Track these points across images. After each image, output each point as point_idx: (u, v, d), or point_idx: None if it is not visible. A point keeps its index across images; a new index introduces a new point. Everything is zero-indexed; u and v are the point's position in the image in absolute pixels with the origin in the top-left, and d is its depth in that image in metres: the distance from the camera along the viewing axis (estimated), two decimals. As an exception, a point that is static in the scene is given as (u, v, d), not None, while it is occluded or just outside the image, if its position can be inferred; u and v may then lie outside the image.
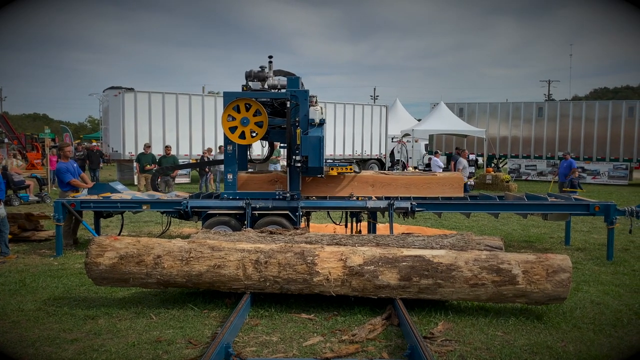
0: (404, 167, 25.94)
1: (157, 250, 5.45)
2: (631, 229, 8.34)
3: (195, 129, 22.19)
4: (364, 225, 8.81)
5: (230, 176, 8.12)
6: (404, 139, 26.37)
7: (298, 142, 7.61)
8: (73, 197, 8.59)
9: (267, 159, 9.45)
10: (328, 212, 8.99)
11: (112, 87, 21.27)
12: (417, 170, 22.30)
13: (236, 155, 8.13)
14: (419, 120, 30.56)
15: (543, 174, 25.21)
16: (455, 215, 11.98)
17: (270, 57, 8.29)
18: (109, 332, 4.84)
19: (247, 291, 5.39)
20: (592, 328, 5.01)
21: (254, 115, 7.72)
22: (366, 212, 8.41)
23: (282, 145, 8.56)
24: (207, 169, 18.18)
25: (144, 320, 5.15)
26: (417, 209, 8.05)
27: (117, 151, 21.20)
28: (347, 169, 8.31)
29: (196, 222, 8.78)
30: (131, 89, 20.97)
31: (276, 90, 8.08)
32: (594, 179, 24.04)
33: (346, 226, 8.93)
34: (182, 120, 21.89)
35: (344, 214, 9.02)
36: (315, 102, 8.01)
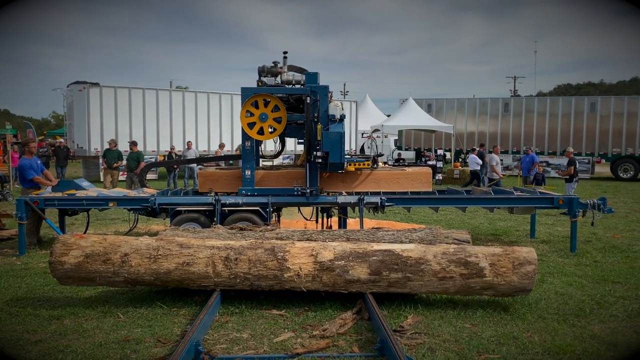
0: (374, 162, 26.12)
1: (124, 248, 5.35)
2: (593, 221, 8.57)
3: (162, 125, 21.86)
4: (334, 220, 8.84)
5: (248, 172, 8.03)
6: (374, 135, 26.54)
7: (319, 137, 7.54)
8: (36, 194, 8.36)
9: (278, 155, 9.36)
10: (299, 207, 8.99)
11: (77, 82, 20.78)
12: (386, 165, 22.47)
13: (254, 151, 8.07)
14: (389, 115, 30.79)
15: (509, 169, 25.73)
16: (424, 210, 12.13)
17: (285, 52, 8.24)
18: (75, 332, 4.73)
19: (217, 288, 5.35)
20: (556, 318, 5.14)
21: (273, 111, 7.66)
22: (337, 207, 8.44)
23: (299, 141, 8.49)
24: (174, 166, 17.98)
25: (111, 320, 5.05)
26: (386, 204, 8.12)
27: (82, 147, 20.75)
28: (364, 164, 8.30)
29: (164, 219, 8.66)
30: (96, 84, 20.55)
31: (290, 86, 8.01)
32: (558, 172, 24.67)
33: (317, 222, 8.94)
34: (149, 115, 21.55)
35: (314, 210, 9.02)
36: (331, 98, 7.98)
